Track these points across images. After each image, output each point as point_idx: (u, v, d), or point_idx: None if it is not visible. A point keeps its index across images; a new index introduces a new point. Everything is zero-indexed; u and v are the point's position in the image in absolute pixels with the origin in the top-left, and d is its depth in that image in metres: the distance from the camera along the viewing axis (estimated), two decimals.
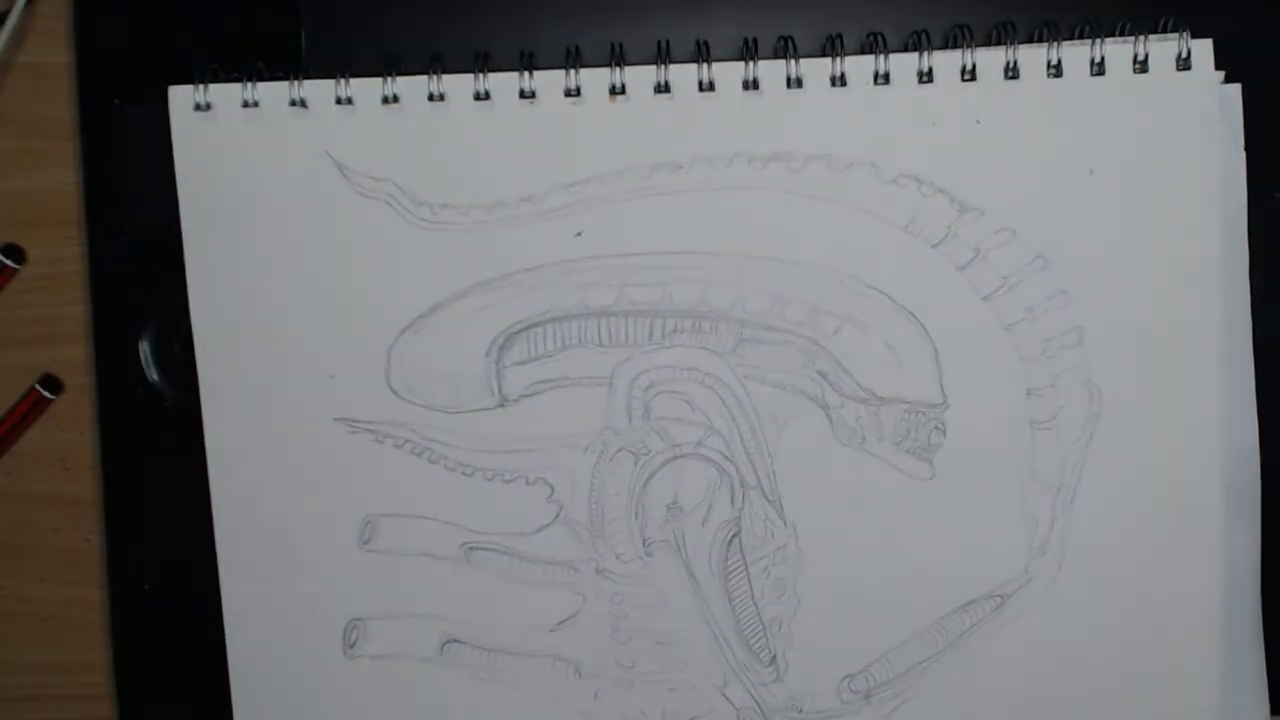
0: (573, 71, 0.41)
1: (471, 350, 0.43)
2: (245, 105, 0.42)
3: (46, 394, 0.44)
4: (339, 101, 0.42)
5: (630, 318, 0.43)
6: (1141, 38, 0.41)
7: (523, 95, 0.42)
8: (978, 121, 0.41)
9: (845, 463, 0.43)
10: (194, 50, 0.43)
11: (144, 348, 0.44)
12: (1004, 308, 0.42)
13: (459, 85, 0.42)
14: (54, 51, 0.43)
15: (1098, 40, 0.41)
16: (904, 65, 0.41)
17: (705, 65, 0.41)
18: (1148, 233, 0.42)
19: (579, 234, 0.42)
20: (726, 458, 0.43)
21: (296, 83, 0.42)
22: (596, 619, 0.44)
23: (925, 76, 0.41)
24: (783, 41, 0.42)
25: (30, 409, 0.44)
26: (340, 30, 0.43)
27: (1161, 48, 0.41)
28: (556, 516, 0.43)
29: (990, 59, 0.41)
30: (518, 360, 0.43)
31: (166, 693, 0.45)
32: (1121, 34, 0.41)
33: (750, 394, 0.43)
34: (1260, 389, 0.42)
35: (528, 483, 0.43)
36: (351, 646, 0.44)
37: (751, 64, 0.41)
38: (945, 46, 0.42)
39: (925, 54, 0.41)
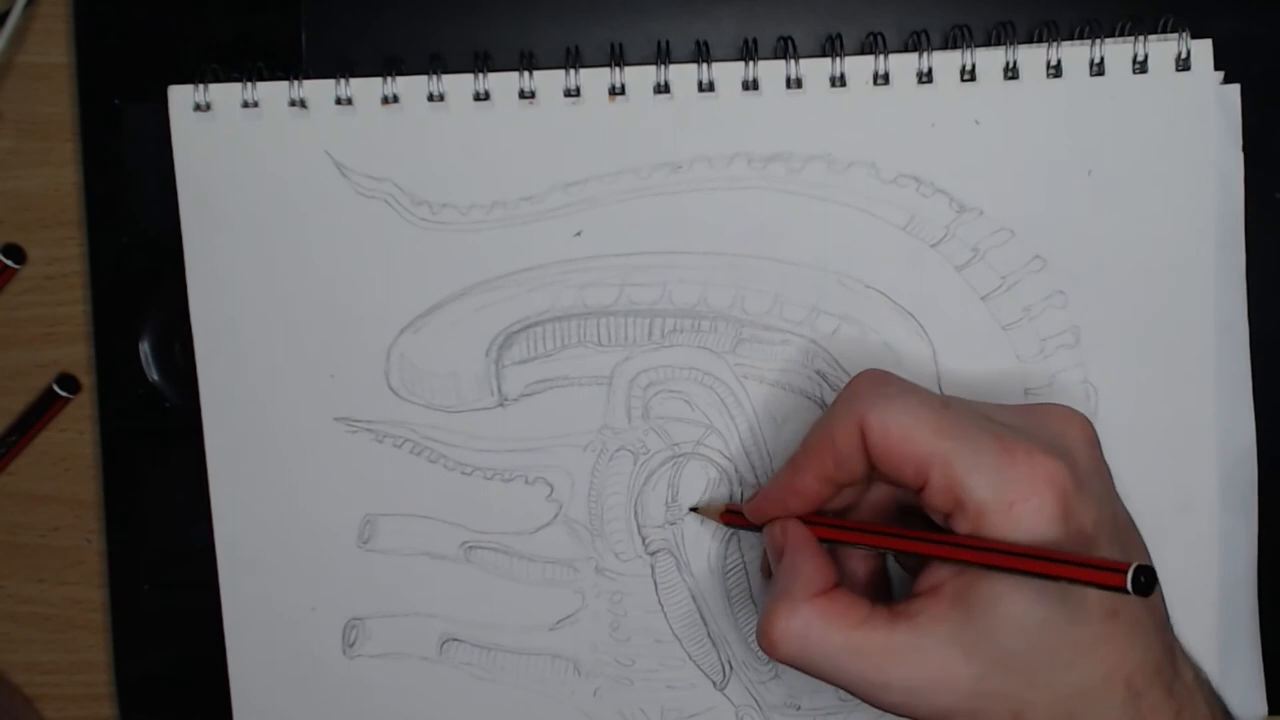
0: (572, 71, 0.41)
1: (471, 350, 0.43)
2: (245, 105, 0.42)
3: (62, 393, 0.44)
4: (339, 101, 0.42)
5: (630, 317, 0.43)
6: (1141, 38, 0.41)
7: (522, 95, 0.42)
8: (977, 122, 0.41)
9: None
10: (194, 50, 0.42)
11: (144, 348, 0.44)
12: (1002, 307, 0.42)
13: (459, 85, 0.42)
14: (54, 51, 0.43)
15: (1097, 40, 0.41)
16: (903, 66, 0.41)
17: (705, 65, 0.41)
18: (1146, 233, 0.42)
19: (578, 234, 0.42)
20: (725, 457, 0.43)
21: (296, 83, 0.42)
22: (596, 617, 0.44)
23: (925, 77, 0.41)
24: (782, 42, 0.42)
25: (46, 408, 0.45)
26: (340, 30, 0.43)
27: (1161, 48, 0.41)
28: (556, 516, 0.43)
29: (990, 59, 0.41)
30: (517, 360, 0.43)
31: (166, 693, 0.45)
32: (1121, 34, 0.41)
33: (749, 393, 0.43)
34: (1257, 388, 0.42)
35: (527, 482, 0.43)
36: (351, 646, 0.44)
37: (751, 64, 0.41)
38: (945, 47, 0.42)
39: (925, 54, 0.41)
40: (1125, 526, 0.35)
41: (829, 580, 0.35)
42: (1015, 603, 0.32)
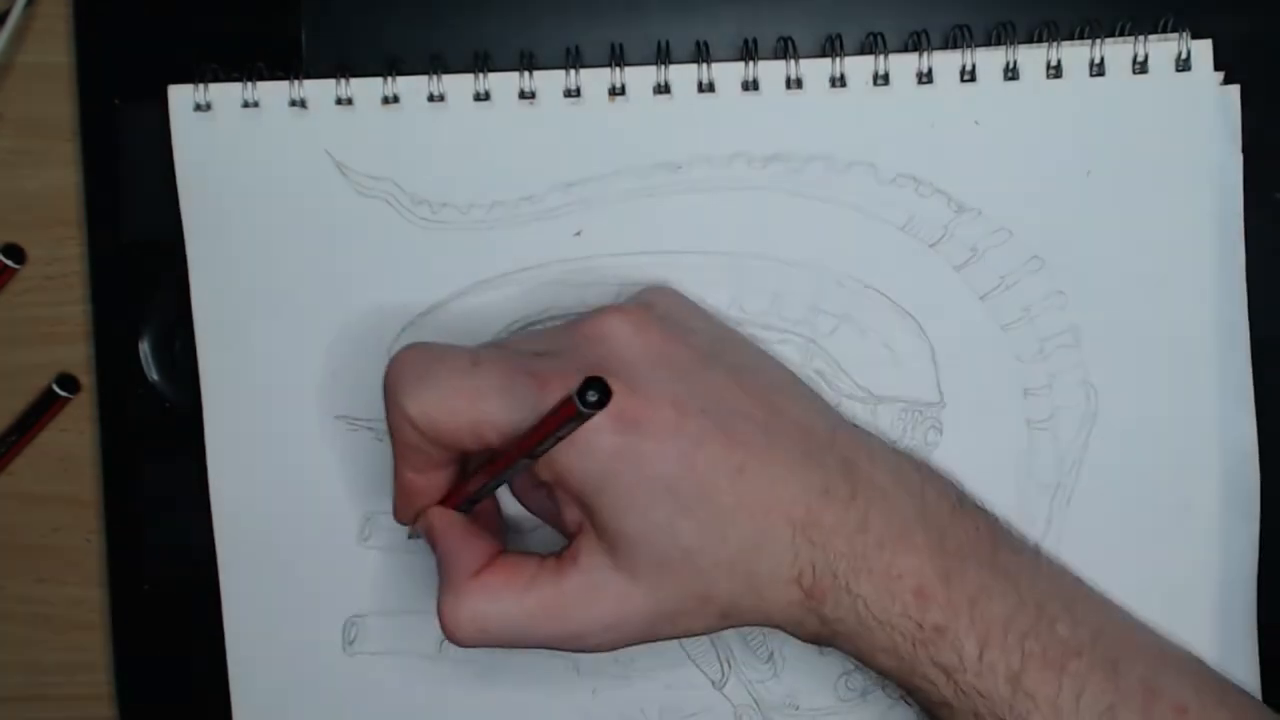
0: (573, 71, 0.41)
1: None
2: (245, 105, 0.42)
3: (62, 393, 0.44)
4: (339, 101, 0.42)
5: None
6: (1141, 38, 0.41)
7: (522, 95, 0.42)
8: (976, 122, 0.41)
9: None
10: (194, 50, 0.42)
11: (144, 348, 0.44)
12: (1001, 307, 0.42)
13: (459, 85, 0.42)
14: (54, 51, 0.43)
15: (1097, 41, 0.41)
16: (903, 66, 0.41)
17: (705, 66, 0.41)
18: (1145, 233, 0.42)
19: (578, 234, 0.42)
20: None
21: (296, 83, 0.42)
22: None
23: (925, 77, 0.41)
24: (782, 42, 0.42)
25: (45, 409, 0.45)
26: (340, 30, 0.43)
27: (1161, 48, 0.41)
28: None
29: (990, 60, 0.41)
30: None
31: (166, 693, 0.45)
32: (1121, 34, 0.41)
33: None
34: (1258, 387, 0.42)
35: None
36: (351, 643, 0.44)
37: (751, 64, 0.41)
38: (945, 47, 0.42)
39: (925, 54, 0.41)
40: (724, 390, 0.35)
41: (487, 552, 0.35)
42: (629, 518, 0.32)
